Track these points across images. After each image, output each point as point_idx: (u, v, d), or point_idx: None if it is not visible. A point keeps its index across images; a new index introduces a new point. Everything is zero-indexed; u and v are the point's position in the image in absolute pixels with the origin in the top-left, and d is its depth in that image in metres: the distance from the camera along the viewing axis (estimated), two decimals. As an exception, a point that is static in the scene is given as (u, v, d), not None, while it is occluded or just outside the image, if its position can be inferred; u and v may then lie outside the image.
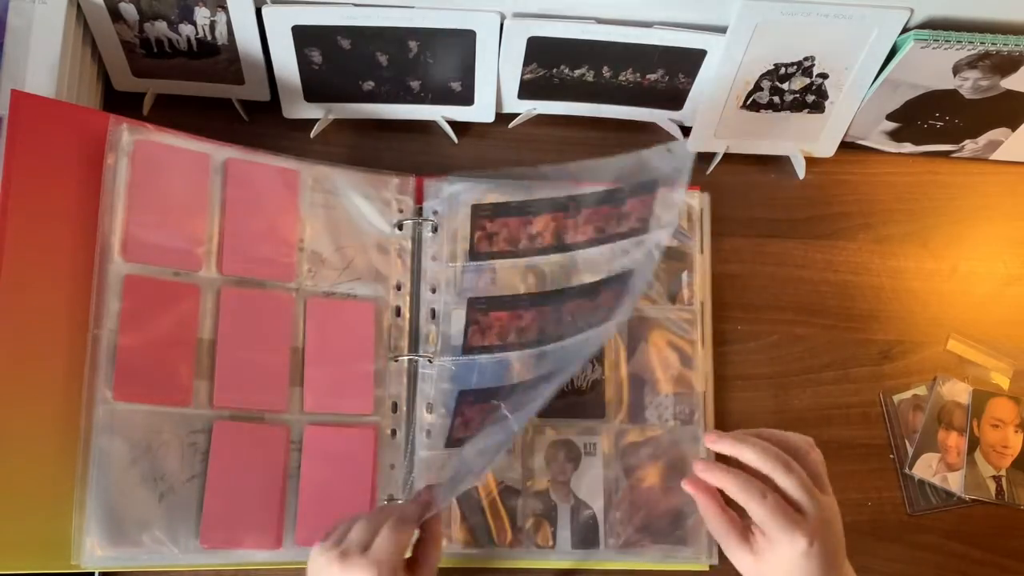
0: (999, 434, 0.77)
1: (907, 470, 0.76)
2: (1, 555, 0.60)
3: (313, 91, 0.78)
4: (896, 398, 0.78)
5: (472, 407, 0.69)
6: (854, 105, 0.78)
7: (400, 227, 0.76)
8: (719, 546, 0.72)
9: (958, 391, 0.78)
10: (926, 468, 0.76)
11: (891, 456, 0.77)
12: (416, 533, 0.60)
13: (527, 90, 0.79)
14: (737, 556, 0.57)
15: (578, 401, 0.74)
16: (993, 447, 0.77)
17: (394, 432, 0.72)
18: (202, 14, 0.71)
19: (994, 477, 0.76)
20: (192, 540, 0.65)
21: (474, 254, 0.74)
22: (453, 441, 0.69)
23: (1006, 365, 0.79)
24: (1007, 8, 0.70)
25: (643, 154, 0.69)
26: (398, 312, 0.74)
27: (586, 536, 0.72)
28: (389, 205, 0.76)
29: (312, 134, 0.80)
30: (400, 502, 0.66)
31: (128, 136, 0.67)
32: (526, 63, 0.76)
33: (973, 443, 0.76)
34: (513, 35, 0.73)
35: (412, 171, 0.77)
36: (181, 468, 0.65)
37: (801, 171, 0.83)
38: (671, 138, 0.82)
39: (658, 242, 0.69)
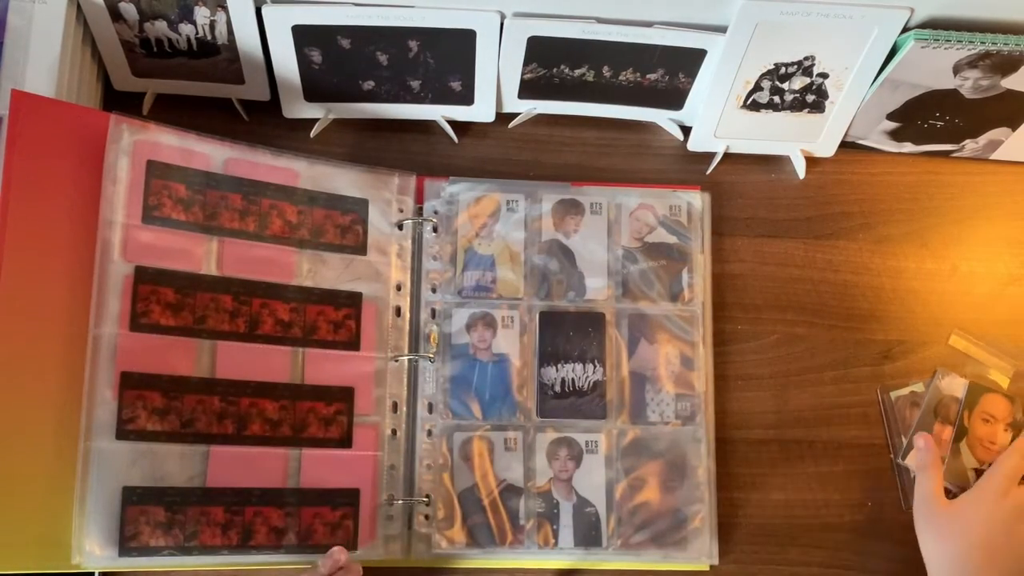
0: (989, 429, 0.77)
1: (900, 460, 0.76)
2: (1, 555, 0.60)
3: (313, 91, 0.78)
4: (894, 395, 0.78)
5: None
6: (854, 105, 0.78)
7: (400, 227, 0.76)
8: (718, 546, 0.73)
9: (956, 386, 0.77)
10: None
11: (890, 455, 0.77)
12: None
13: (527, 90, 0.79)
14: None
15: (579, 402, 0.74)
16: (980, 440, 0.76)
17: (394, 432, 0.72)
18: (202, 14, 0.71)
19: (976, 470, 0.75)
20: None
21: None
22: None
23: (1007, 364, 0.79)
24: (1007, 8, 0.70)
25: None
26: (398, 312, 0.74)
27: (588, 534, 0.72)
28: (389, 205, 0.76)
29: (312, 134, 0.80)
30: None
31: (128, 136, 0.67)
32: (526, 63, 0.76)
33: (961, 432, 0.76)
34: (513, 35, 0.73)
35: (412, 171, 0.77)
36: (181, 468, 0.65)
37: (801, 171, 0.83)
38: (671, 138, 0.83)
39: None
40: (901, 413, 0.77)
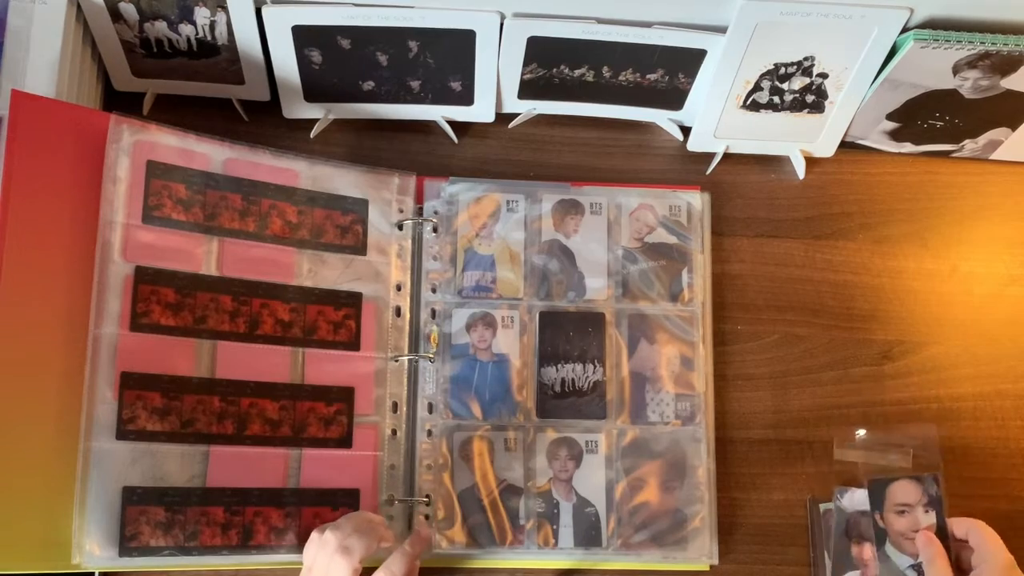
0: (908, 519, 0.68)
1: None
2: (1, 555, 0.60)
3: (313, 91, 0.78)
4: (823, 507, 0.72)
5: None
6: (854, 105, 0.78)
7: (400, 227, 0.76)
8: (718, 546, 0.73)
9: (859, 499, 0.70)
10: None
11: (810, 569, 0.73)
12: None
13: (527, 90, 0.79)
14: None
15: (579, 402, 0.74)
16: (903, 535, 0.68)
17: (394, 432, 0.72)
18: (202, 14, 0.71)
19: (913, 566, 0.68)
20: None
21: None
22: None
23: (904, 445, 0.71)
24: (1007, 8, 0.70)
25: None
26: (398, 312, 0.74)
27: (588, 534, 0.72)
28: (389, 205, 0.76)
29: (312, 134, 0.80)
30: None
31: (128, 136, 0.67)
32: (526, 63, 0.76)
33: (880, 537, 0.69)
34: (513, 35, 0.73)
35: (412, 171, 0.77)
36: (181, 468, 0.65)
37: (801, 171, 0.83)
38: (671, 138, 0.83)
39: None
40: (827, 526, 0.72)
